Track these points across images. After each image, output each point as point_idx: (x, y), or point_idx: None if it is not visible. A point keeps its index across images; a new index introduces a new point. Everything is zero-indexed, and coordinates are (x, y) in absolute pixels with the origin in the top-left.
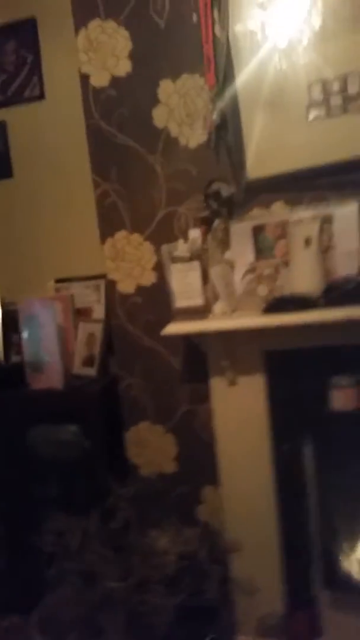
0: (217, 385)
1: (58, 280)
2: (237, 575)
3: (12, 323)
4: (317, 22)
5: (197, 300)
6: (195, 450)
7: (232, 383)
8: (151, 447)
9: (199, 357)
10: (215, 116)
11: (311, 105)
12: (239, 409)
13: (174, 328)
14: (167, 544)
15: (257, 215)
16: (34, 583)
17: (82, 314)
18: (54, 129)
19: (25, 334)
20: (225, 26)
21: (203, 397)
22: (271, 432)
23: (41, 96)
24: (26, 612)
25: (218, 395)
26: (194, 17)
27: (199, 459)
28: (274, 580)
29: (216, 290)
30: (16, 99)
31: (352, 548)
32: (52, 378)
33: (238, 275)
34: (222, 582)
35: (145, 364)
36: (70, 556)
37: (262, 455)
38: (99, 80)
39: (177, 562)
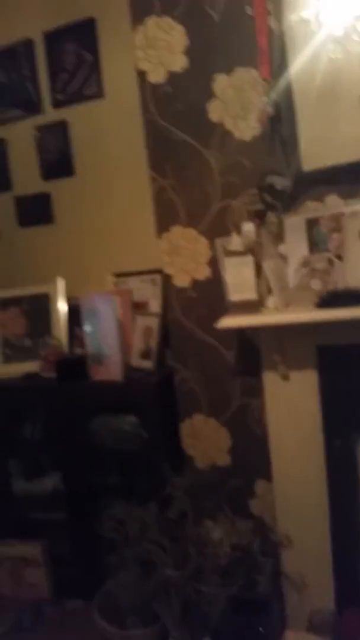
0: (270, 380)
1: (116, 275)
2: (288, 569)
3: (75, 317)
4: None
5: (251, 294)
6: (249, 444)
7: (285, 378)
8: (205, 440)
9: (252, 351)
10: (269, 108)
11: None
12: (292, 404)
13: (228, 322)
14: (221, 535)
15: (311, 208)
16: (96, 568)
17: (139, 307)
18: (112, 127)
19: (87, 328)
20: (279, 17)
21: (256, 391)
22: (324, 428)
23: (100, 94)
24: (88, 597)
25: (271, 389)
26: (248, 10)
27: (252, 452)
28: (324, 576)
29: (270, 284)
30: (76, 98)
31: None
32: (112, 370)
33: (292, 269)
34: (273, 575)
35: (199, 357)
36: (129, 544)
37: (315, 451)
38: (156, 76)
39: (230, 553)
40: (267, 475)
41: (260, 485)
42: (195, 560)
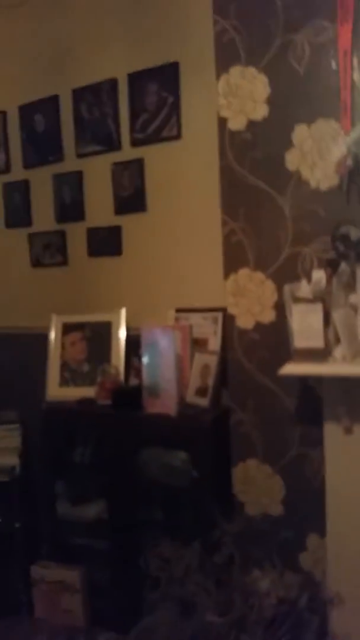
0: (332, 432)
1: (178, 310)
2: (336, 629)
3: (134, 347)
4: None
5: (318, 342)
6: (304, 495)
7: (348, 431)
8: (258, 486)
9: (314, 400)
10: (349, 160)
11: None
12: (354, 459)
13: (292, 369)
14: (268, 586)
15: None
16: (134, 603)
17: (198, 344)
18: (187, 167)
19: (145, 359)
20: None
21: (315, 441)
22: None
23: (178, 136)
24: (123, 631)
25: (332, 442)
26: (333, 64)
27: (306, 504)
28: None
29: (338, 334)
30: (155, 138)
31: None
32: (166, 404)
33: None
34: (320, 635)
35: (258, 401)
36: (172, 583)
37: None
38: (236, 123)
39: (276, 606)
40: (321, 530)
41: (312, 539)
42: (239, 608)
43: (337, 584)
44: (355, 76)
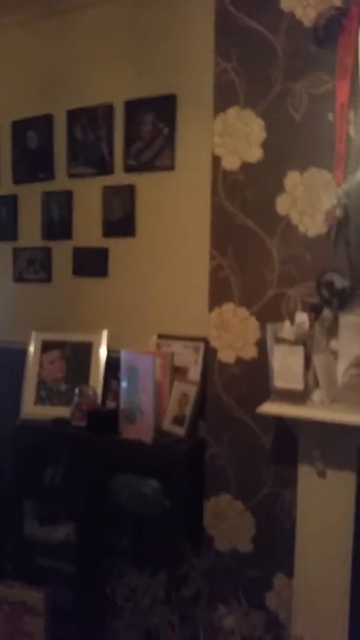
0: (306, 474)
1: (160, 336)
2: None
3: (113, 370)
4: None
5: (297, 385)
6: (274, 534)
7: (322, 475)
8: (228, 522)
9: (290, 440)
10: (338, 211)
11: None
12: (325, 503)
13: (270, 408)
14: (233, 623)
15: None
16: (97, 629)
17: (178, 372)
18: (179, 198)
19: (124, 383)
20: (359, 127)
21: (289, 481)
22: (355, 533)
23: (171, 167)
24: None
25: (305, 484)
26: (330, 116)
27: (275, 544)
28: None
29: (317, 378)
30: (147, 167)
31: None
32: (142, 430)
33: (342, 366)
34: None
35: (234, 436)
36: (137, 613)
37: (342, 555)
38: (230, 163)
39: None
40: (288, 570)
41: (279, 579)
42: None
43: (302, 626)
44: (351, 130)
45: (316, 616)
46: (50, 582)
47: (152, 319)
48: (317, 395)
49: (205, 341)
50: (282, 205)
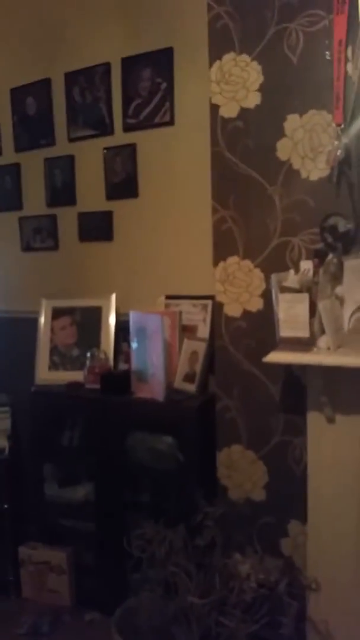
0: (314, 421)
1: (168, 297)
2: (314, 615)
3: (123, 332)
4: None
5: (303, 332)
6: (286, 482)
7: (330, 420)
8: (241, 472)
9: (299, 389)
10: (339, 152)
11: None
12: (335, 448)
13: (276, 357)
14: (248, 569)
15: None
16: (119, 584)
17: (187, 331)
18: (180, 154)
19: (134, 345)
20: (357, 65)
21: (299, 429)
22: None
23: (171, 122)
24: (108, 611)
25: (314, 430)
26: (327, 55)
27: (288, 491)
28: (351, 628)
29: (323, 325)
30: (147, 124)
31: None
32: (154, 389)
33: (347, 311)
34: (298, 619)
35: (243, 388)
36: (155, 565)
37: (353, 499)
38: (228, 111)
39: (256, 589)
40: (302, 517)
41: (293, 526)
42: (219, 591)
43: (316, 570)
44: (349, 67)
45: (329, 560)
46: (72, 541)
47: (160, 280)
48: (323, 341)
49: (213, 299)
50: (282, 150)
